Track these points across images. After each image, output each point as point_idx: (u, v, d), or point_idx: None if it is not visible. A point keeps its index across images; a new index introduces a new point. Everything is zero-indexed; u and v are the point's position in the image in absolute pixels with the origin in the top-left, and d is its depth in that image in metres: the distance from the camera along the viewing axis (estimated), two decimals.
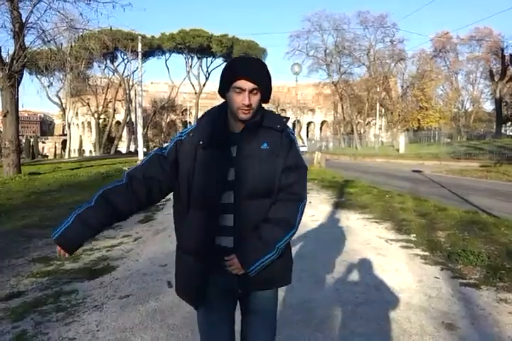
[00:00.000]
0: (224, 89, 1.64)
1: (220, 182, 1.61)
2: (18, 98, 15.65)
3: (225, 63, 1.76)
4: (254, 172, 1.61)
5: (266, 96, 1.67)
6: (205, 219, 1.62)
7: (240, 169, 1.61)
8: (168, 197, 1.84)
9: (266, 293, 1.77)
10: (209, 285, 1.68)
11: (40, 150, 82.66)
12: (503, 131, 41.25)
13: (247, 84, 1.57)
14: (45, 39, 15.80)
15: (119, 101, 53.36)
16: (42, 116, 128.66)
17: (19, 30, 14.60)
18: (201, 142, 1.63)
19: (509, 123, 49.10)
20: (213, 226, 1.62)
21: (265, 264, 1.62)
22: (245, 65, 1.62)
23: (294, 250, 5.14)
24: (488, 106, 52.78)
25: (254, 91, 1.60)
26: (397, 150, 33.83)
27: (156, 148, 1.88)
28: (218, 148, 1.64)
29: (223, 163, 1.63)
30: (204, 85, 52.28)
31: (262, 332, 1.80)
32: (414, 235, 5.76)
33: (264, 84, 1.62)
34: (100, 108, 53.43)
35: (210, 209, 1.61)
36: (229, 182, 1.62)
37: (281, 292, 3.71)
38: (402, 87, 49.07)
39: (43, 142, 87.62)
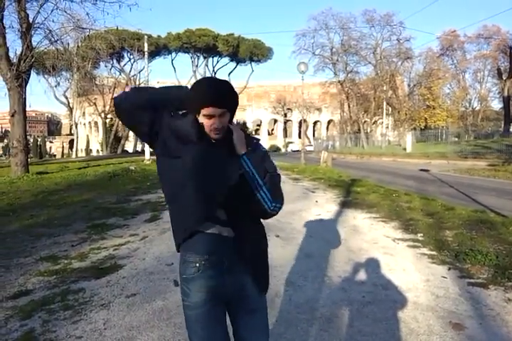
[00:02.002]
0: (193, 111, 1.64)
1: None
2: (25, 98, 15.74)
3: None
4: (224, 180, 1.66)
5: (234, 111, 1.72)
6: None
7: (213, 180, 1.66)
8: None
9: (258, 293, 1.78)
10: (202, 284, 1.69)
11: (48, 149, 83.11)
12: (511, 129, 40.84)
13: (215, 111, 1.60)
14: (52, 39, 15.89)
15: None
16: (49, 115, 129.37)
17: (26, 30, 14.68)
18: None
19: None
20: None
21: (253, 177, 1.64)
22: (211, 92, 1.61)
23: (300, 249, 5.15)
24: (496, 105, 52.51)
25: (224, 114, 1.63)
26: (404, 149, 33.68)
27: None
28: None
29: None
30: None
31: (259, 333, 1.81)
32: (422, 234, 5.73)
33: (231, 106, 1.66)
34: (107, 108, 53.53)
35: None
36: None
37: (288, 291, 3.71)
38: (408, 85, 48.86)
39: (51, 142, 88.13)
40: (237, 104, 1.70)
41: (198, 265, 1.69)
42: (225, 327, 1.77)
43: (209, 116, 1.60)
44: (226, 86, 1.65)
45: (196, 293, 1.69)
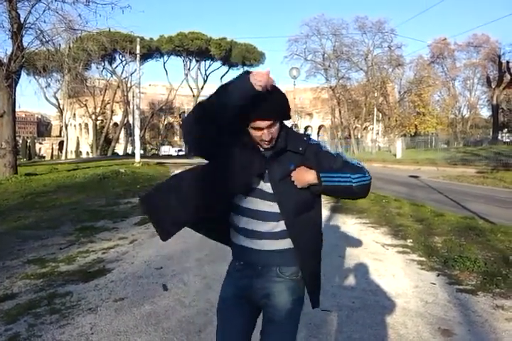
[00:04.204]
0: (242, 123, 1.64)
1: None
2: (15, 98, 15.56)
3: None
4: (289, 194, 1.68)
5: (285, 118, 1.70)
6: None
7: (277, 195, 1.68)
8: None
9: (286, 304, 1.76)
10: (230, 289, 1.81)
11: (37, 151, 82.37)
12: (499, 137, 41.27)
13: (263, 124, 1.60)
14: (43, 40, 15.73)
15: (117, 103, 53.27)
16: (39, 117, 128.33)
17: (17, 30, 14.53)
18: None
19: (505, 130, 49.25)
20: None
21: (335, 183, 1.65)
22: (260, 109, 1.58)
23: None
24: (485, 113, 53.03)
25: (272, 125, 1.62)
26: (394, 155, 33.88)
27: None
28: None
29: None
30: (202, 88, 52.17)
31: None
32: (411, 240, 5.76)
33: (279, 115, 1.65)
34: (98, 109, 53.30)
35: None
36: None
37: None
38: (399, 92, 49.21)
39: (40, 143, 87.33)
40: (285, 111, 1.67)
41: (236, 264, 1.82)
42: (241, 325, 1.83)
43: (257, 129, 1.62)
44: (271, 96, 1.58)
45: (226, 287, 1.86)
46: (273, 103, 1.60)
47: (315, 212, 1.77)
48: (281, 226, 1.69)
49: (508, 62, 38.08)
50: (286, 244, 1.71)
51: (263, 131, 1.61)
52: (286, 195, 1.67)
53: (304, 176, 1.65)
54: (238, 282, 1.78)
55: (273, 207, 1.68)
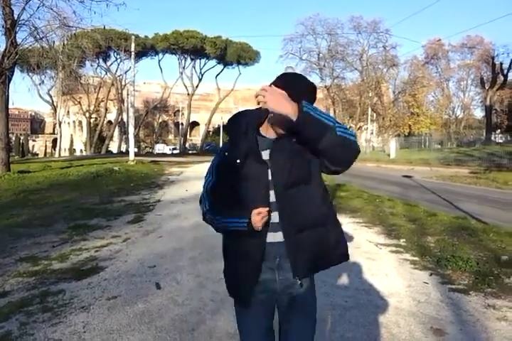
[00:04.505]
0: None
1: (263, 190, 1.67)
2: (8, 95, 15.45)
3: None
4: (287, 166, 1.64)
5: (308, 98, 1.57)
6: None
7: (274, 168, 1.66)
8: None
9: (308, 293, 1.81)
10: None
11: (31, 148, 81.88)
12: (492, 138, 41.55)
13: None
14: (37, 36, 15.61)
15: (111, 100, 53.01)
16: (33, 114, 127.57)
17: (11, 26, 14.41)
18: (238, 161, 1.67)
19: (498, 131, 49.57)
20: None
21: (316, 115, 1.48)
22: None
23: None
24: (479, 114, 53.34)
25: None
26: (388, 155, 34.00)
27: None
28: (255, 162, 1.67)
29: (262, 174, 1.67)
30: (197, 86, 51.98)
31: (302, 331, 1.81)
32: (404, 240, 5.78)
33: (297, 91, 1.58)
34: (92, 107, 53.02)
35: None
36: (268, 182, 1.67)
37: None
38: (393, 92, 49.43)
39: (34, 140, 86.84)
40: (303, 91, 1.62)
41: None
42: (267, 321, 1.83)
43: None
44: (291, 76, 1.66)
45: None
46: (290, 85, 1.61)
47: (310, 188, 1.69)
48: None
49: (501, 64, 38.41)
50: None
51: None
52: (279, 165, 1.65)
53: (282, 100, 1.49)
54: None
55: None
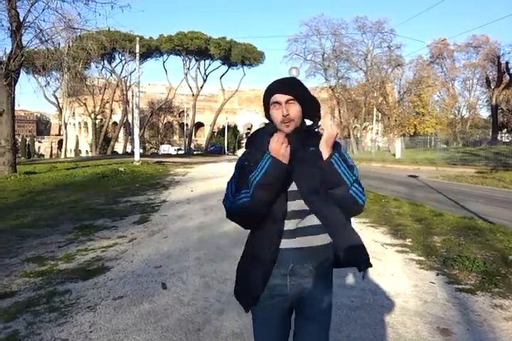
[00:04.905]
0: (267, 110, 1.78)
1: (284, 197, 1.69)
2: (14, 97, 15.54)
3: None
4: (308, 174, 1.69)
5: (308, 107, 1.76)
6: (271, 227, 1.69)
7: (296, 175, 1.69)
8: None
9: (322, 300, 1.80)
10: (264, 290, 1.73)
11: (36, 149, 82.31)
12: (498, 137, 41.33)
13: (281, 97, 1.70)
14: (43, 38, 15.69)
15: (116, 101, 53.18)
16: (38, 115, 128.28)
17: (16, 29, 14.50)
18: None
19: (505, 130, 49.32)
20: (278, 233, 1.69)
21: (340, 168, 1.65)
22: (277, 83, 1.76)
23: None
24: (484, 113, 53.14)
25: (291, 102, 1.70)
26: (394, 155, 33.91)
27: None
28: None
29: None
30: (201, 87, 52.04)
31: (314, 337, 1.81)
32: (410, 240, 5.76)
33: (299, 94, 1.72)
34: (97, 108, 53.20)
35: (276, 219, 1.68)
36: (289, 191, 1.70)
37: None
38: (399, 92, 49.26)
39: (39, 141, 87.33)
40: (305, 96, 1.76)
41: None
42: (285, 331, 1.84)
43: (277, 104, 1.70)
44: (290, 78, 1.82)
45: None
46: (293, 81, 1.77)
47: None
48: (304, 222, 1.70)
49: (507, 63, 38.11)
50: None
51: (282, 108, 1.69)
52: (302, 173, 1.69)
53: (329, 143, 1.67)
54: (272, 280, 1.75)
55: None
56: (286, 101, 1.69)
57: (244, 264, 1.82)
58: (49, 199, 9.66)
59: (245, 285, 1.78)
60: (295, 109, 1.70)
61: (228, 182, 1.81)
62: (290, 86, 1.73)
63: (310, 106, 1.77)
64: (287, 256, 1.69)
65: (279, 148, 1.60)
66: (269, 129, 1.78)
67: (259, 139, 1.79)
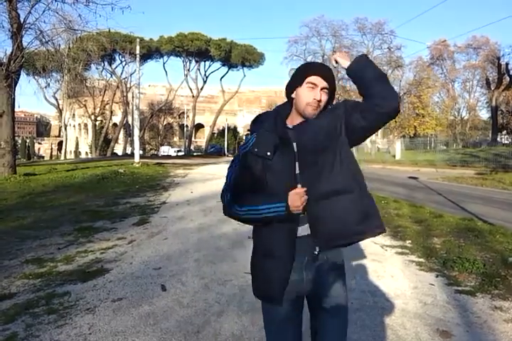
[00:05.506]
0: (296, 83, 1.75)
1: (292, 182, 1.67)
2: (14, 98, 15.55)
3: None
4: (314, 133, 1.70)
5: (328, 102, 1.79)
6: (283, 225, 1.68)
7: (301, 152, 1.70)
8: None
9: (336, 290, 1.77)
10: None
11: (36, 151, 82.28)
12: (498, 139, 41.36)
13: (320, 81, 1.71)
14: (43, 40, 15.69)
15: (117, 103, 53.15)
16: (38, 117, 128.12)
17: (17, 30, 14.50)
18: (268, 153, 1.69)
19: (504, 132, 49.32)
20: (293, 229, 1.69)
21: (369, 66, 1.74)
22: (320, 66, 1.78)
23: None
24: (484, 115, 53.13)
25: (325, 90, 1.72)
26: (394, 156, 33.86)
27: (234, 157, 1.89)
28: (284, 156, 1.70)
29: (291, 165, 1.69)
30: (202, 89, 52.05)
31: (334, 331, 1.79)
32: (410, 241, 5.76)
33: (332, 87, 1.75)
34: (97, 110, 53.17)
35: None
36: (295, 174, 1.70)
37: None
38: (398, 93, 49.31)
39: (39, 143, 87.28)
40: (334, 91, 1.79)
41: None
42: (298, 325, 1.83)
43: (313, 85, 1.70)
44: (331, 69, 1.81)
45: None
46: (332, 73, 1.77)
47: (333, 154, 1.70)
48: None
49: (507, 64, 38.14)
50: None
51: (317, 90, 1.69)
52: (306, 146, 1.70)
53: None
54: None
55: None
56: (322, 88, 1.70)
57: (260, 260, 1.78)
58: (49, 200, 9.65)
59: (267, 281, 1.74)
60: (325, 98, 1.73)
61: (229, 170, 1.81)
62: (331, 76, 1.75)
63: (329, 102, 1.79)
64: (302, 244, 1.68)
65: (298, 204, 1.59)
66: (282, 111, 1.81)
67: (271, 118, 1.80)
